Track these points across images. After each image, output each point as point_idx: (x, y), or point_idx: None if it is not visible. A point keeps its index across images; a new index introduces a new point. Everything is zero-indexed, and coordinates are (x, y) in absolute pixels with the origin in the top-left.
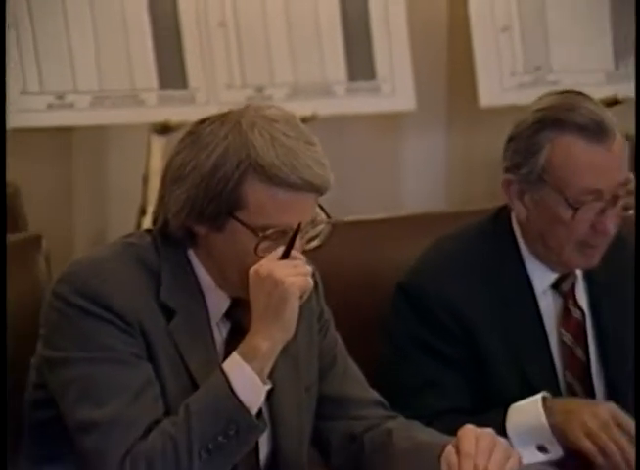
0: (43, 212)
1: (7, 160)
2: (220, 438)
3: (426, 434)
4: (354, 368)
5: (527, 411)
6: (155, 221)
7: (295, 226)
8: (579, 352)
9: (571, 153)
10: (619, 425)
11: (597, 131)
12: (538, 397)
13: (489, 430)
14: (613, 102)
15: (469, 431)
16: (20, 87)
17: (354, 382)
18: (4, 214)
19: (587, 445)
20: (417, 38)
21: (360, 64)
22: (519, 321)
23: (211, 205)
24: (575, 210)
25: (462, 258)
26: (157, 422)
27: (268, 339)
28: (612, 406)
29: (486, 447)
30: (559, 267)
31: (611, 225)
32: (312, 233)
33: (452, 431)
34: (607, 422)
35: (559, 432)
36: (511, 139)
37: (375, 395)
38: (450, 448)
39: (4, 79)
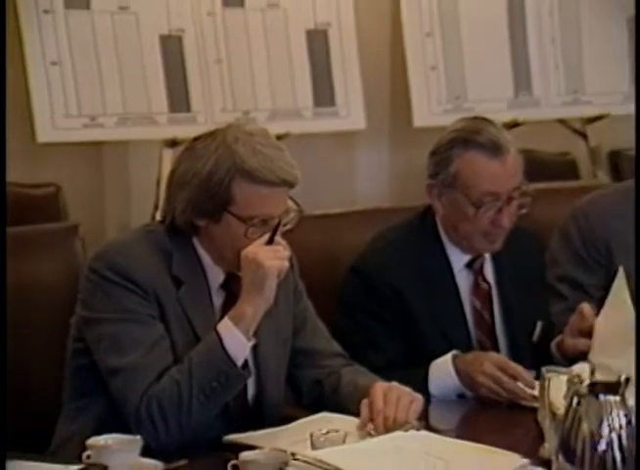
0: (80, 207)
1: (52, 167)
2: (214, 383)
3: (367, 379)
4: (322, 327)
5: (442, 368)
6: (164, 218)
7: (274, 215)
8: (486, 315)
9: (474, 165)
10: (502, 368)
11: (494, 149)
12: (449, 356)
13: (395, 383)
14: (514, 124)
15: (378, 387)
16: (63, 111)
17: (321, 338)
18: (4, 214)
19: (481, 379)
20: (366, 73)
21: (323, 93)
22: (441, 293)
23: (209, 203)
24: (478, 208)
25: (399, 246)
26: (167, 369)
27: (252, 306)
28: (497, 355)
29: (394, 399)
30: (470, 251)
31: (506, 220)
32: (286, 219)
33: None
34: (491, 365)
35: (467, 378)
36: (432, 153)
37: (337, 347)
38: (365, 401)
39: (4, 80)
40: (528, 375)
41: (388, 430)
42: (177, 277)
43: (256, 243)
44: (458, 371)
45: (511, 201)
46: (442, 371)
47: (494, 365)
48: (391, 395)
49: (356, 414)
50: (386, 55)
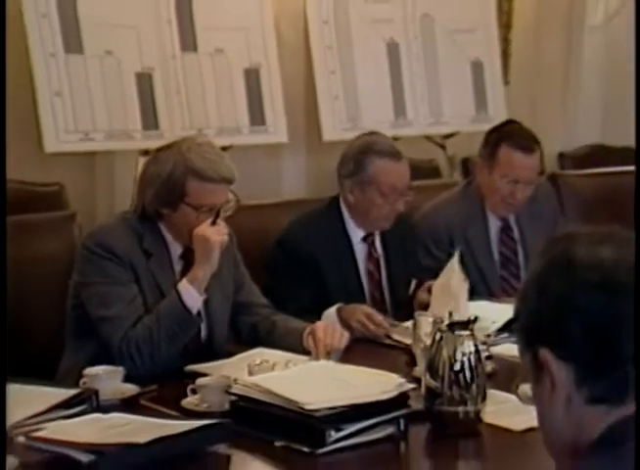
0: (78, 200)
1: (57, 171)
2: (176, 327)
3: (295, 323)
4: (255, 287)
5: (330, 316)
6: (136, 207)
7: (217, 204)
8: (376, 276)
9: (386, 167)
10: (368, 315)
11: (396, 155)
12: (334, 307)
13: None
14: (395, 139)
15: (320, 324)
16: (64, 129)
17: (254, 294)
18: (4, 213)
19: (354, 325)
20: (287, 100)
21: (256, 116)
22: (343, 259)
23: (169, 196)
24: (385, 198)
25: (312, 224)
26: (140, 318)
27: (202, 270)
28: (367, 308)
29: (330, 332)
30: (370, 229)
31: (400, 208)
32: (227, 207)
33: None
34: (361, 315)
35: (345, 323)
36: (347, 159)
37: (265, 301)
38: (309, 335)
39: (4, 81)
40: (386, 323)
41: (326, 355)
42: (147, 250)
43: (204, 224)
44: (340, 318)
45: (404, 193)
46: (330, 318)
47: (363, 315)
48: (329, 329)
49: (287, 349)
50: (301, 87)
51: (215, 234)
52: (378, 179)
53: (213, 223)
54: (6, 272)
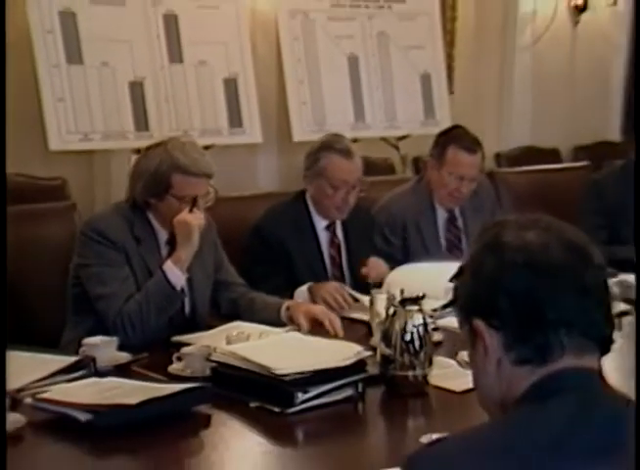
0: (78, 192)
1: (60, 167)
2: (163, 302)
3: (271, 299)
4: (232, 268)
5: (301, 293)
6: (128, 198)
7: (198, 195)
8: (338, 260)
9: (335, 162)
10: (337, 289)
11: (347, 153)
12: (306, 285)
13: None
14: (355, 140)
15: (300, 303)
16: (65, 129)
17: (232, 274)
18: (4, 211)
19: (323, 296)
20: (261, 106)
21: (234, 119)
22: (309, 244)
23: (157, 188)
24: (335, 190)
25: (282, 213)
26: (131, 295)
27: (184, 251)
28: (333, 285)
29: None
30: (327, 218)
31: (352, 199)
32: (207, 198)
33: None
34: (326, 291)
35: (314, 299)
36: (307, 155)
37: (241, 280)
38: (301, 313)
39: (4, 82)
40: (348, 298)
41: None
42: (137, 236)
43: (184, 211)
44: (310, 294)
45: (355, 187)
46: (301, 295)
47: (329, 291)
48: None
49: (265, 322)
50: (274, 94)
51: (194, 219)
52: (327, 173)
53: (191, 210)
54: (6, 271)
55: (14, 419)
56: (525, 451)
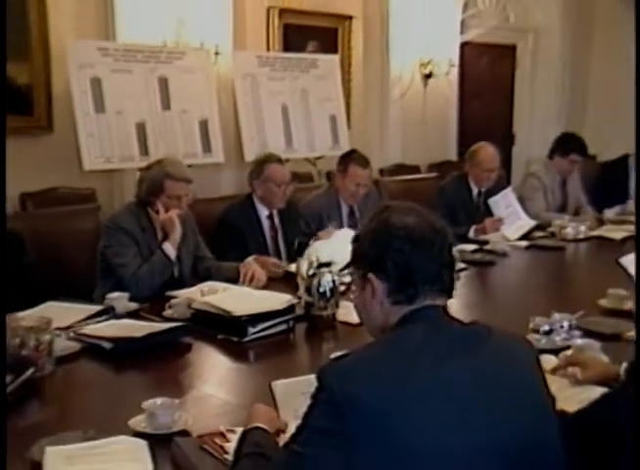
0: (103, 198)
1: (91, 181)
2: (161, 269)
3: (229, 265)
4: (205, 247)
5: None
6: (136, 198)
7: (181, 195)
8: (275, 239)
9: (275, 168)
10: (265, 261)
11: (279, 160)
12: (251, 257)
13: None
14: (287, 160)
15: (253, 264)
16: (94, 155)
17: (205, 251)
18: (3, 210)
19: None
20: (224, 139)
21: (206, 147)
22: (255, 229)
23: (154, 191)
24: (278, 187)
25: (236, 207)
26: (140, 266)
27: (174, 236)
28: (264, 258)
29: (259, 271)
30: (272, 208)
31: (287, 193)
32: (188, 197)
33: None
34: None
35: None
36: (252, 170)
37: (211, 255)
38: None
39: (4, 81)
40: (280, 266)
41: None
42: (142, 226)
43: (170, 211)
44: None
45: (289, 184)
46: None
47: (268, 261)
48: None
49: (227, 280)
50: (232, 130)
51: (173, 213)
52: (272, 177)
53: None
54: (6, 271)
55: (70, 345)
56: (397, 357)
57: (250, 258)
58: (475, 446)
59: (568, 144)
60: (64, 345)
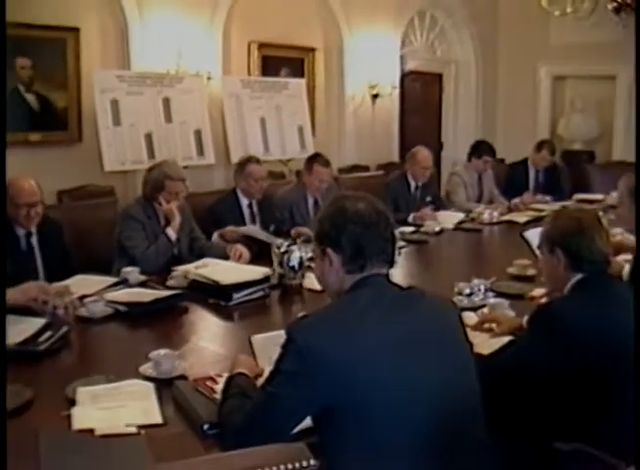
0: (119, 193)
1: (110, 180)
2: (165, 249)
3: (221, 244)
4: (198, 230)
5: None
6: (142, 195)
7: (179, 191)
8: (256, 225)
9: (253, 167)
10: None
11: (258, 161)
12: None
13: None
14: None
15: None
16: (113, 159)
17: (199, 233)
18: (4, 211)
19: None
20: (215, 146)
21: (199, 151)
22: (238, 217)
23: (156, 189)
24: (256, 181)
25: (221, 199)
26: (148, 247)
27: (174, 222)
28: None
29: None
30: (251, 198)
31: (264, 186)
32: (183, 193)
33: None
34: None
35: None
36: (236, 169)
37: (204, 237)
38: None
39: (4, 81)
40: (246, 253)
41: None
42: (148, 215)
43: (170, 203)
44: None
45: (265, 179)
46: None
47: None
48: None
49: (217, 257)
50: (221, 138)
51: (173, 205)
52: (251, 174)
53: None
54: (5, 272)
55: (105, 309)
56: (350, 314)
57: (228, 228)
58: (414, 381)
59: (481, 148)
60: (102, 308)
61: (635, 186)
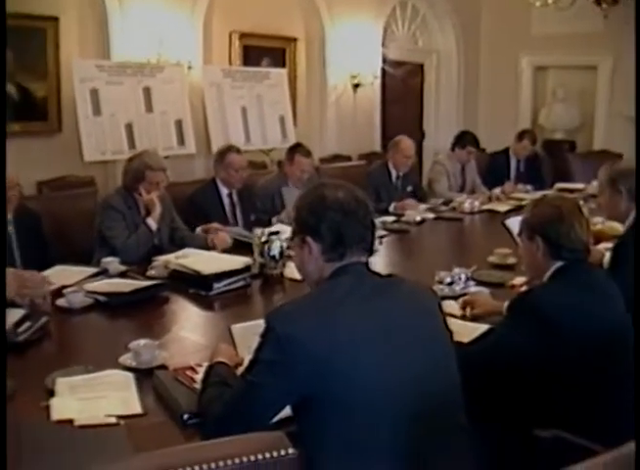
0: (100, 184)
1: (90, 169)
2: (145, 239)
3: (201, 235)
4: (179, 220)
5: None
6: (123, 185)
7: (159, 181)
8: (234, 213)
9: (233, 156)
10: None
11: (238, 150)
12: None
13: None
14: (247, 151)
15: (222, 234)
16: (93, 149)
17: (179, 223)
18: (4, 211)
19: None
20: (196, 135)
21: (180, 141)
22: (216, 204)
23: (137, 179)
24: (236, 171)
25: (201, 189)
26: (129, 236)
27: (155, 212)
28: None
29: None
30: (231, 188)
31: (244, 176)
32: (164, 182)
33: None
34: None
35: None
36: (216, 158)
37: (185, 227)
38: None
39: (4, 81)
40: (227, 238)
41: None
42: (129, 206)
43: (150, 194)
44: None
45: (245, 169)
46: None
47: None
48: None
49: (197, 247)
50: (202, 127)
51: (154, 195)
52: (231, 164)
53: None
54: (5, 274)
55: (85, 299)
56: (329, 302)
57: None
58: (394, 367)
59: (465, 139)
60: (82, 299)
61: (636, 186)
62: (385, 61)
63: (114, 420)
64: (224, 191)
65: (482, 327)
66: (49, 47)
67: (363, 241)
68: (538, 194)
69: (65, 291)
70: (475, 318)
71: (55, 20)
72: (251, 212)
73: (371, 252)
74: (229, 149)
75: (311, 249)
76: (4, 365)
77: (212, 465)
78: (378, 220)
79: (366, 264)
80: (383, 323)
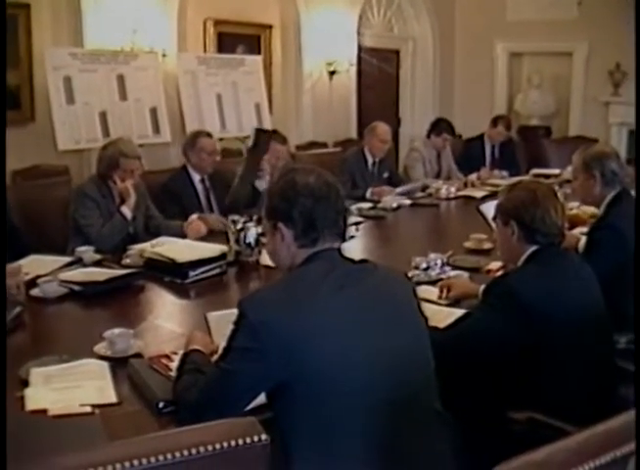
0: (74, 173)
1: (64, 158)
2: (120, 227)
3: (174, 223)
4: (154, 208)
5: (194, 219)
6: (97, 173)
7: (133, 169)
8: (207, 199)
9: (205, 140)
10: (205, 220)
11: (208, 134)
12: (195, 215)
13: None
14: (221, 139)
15: (197, 222)
16: (67, 137)
17: (154, 211)
18: (4, 210)
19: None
20: (171, 124)
21: (155, 129)
22: (191, 192)
23: (111, 167)
24: (209, 155)
25: (174, 177)
26: (103, 225)
27: (129, 200)
28: (216, 215)
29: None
30: (204, 173)
31: (215, 160)
32: (138, 170)
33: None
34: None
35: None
36: (185, 143)
37: (159, 214)
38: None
39: (4, 81)
40: (222, 222)
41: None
42: (103, 194)
43: (125, 182)
44: (200, 220)
45: (217, 153)
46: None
47: (212, 218)
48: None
49: (173, 235)
50: (177, 115)
51: (128, 183)
52: (203, 147)
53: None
54: (5, 276)
55: (59, 289)
56: (301, 288)
57: (193, 216)
58: (368, 353)
59: (440, 126)
60: (56, 288)
61: (636, 183)
62: (360, 48)
63: (88, 409)
64: (196, 177)
65: (458, 312)
66: (21, 35)
67: (335, 226)
68: (514, 180)
69: (39, 281)
70: (451, 303)
71: (26, 7)
72: (224, 197)
73: (344, 237)
74: (199, 133)
75: (283, 235)
76: (4, 365)
77: (185, 452)
78: (354, 207)
79: (339, 250)
80: (356, 307)
